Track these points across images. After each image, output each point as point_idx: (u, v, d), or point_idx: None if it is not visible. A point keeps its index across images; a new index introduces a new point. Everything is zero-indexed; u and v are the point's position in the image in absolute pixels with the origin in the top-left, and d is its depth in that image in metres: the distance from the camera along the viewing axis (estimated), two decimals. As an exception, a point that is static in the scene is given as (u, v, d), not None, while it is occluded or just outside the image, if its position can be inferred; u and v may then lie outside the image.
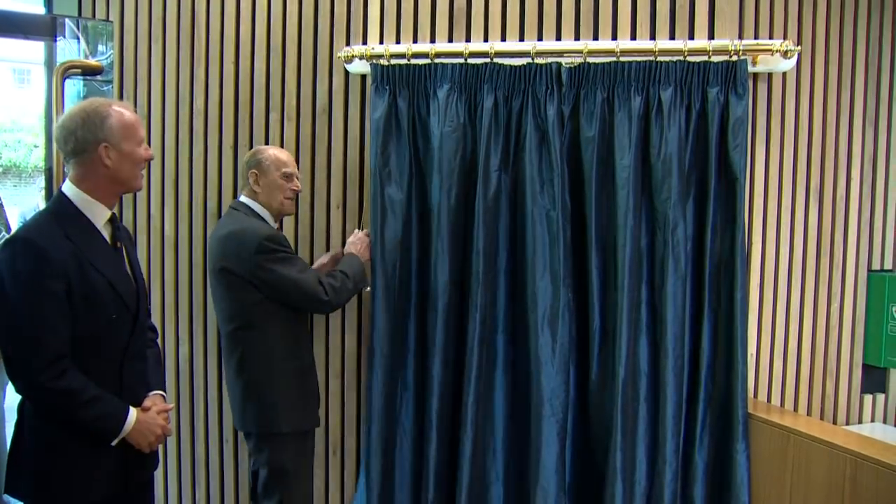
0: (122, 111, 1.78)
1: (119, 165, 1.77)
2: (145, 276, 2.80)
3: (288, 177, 2.36)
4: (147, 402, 1.86)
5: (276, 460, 2.26)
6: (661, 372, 2.39)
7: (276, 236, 2.26)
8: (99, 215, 1.78)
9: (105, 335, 1.76)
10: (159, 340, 2.78)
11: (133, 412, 1.78)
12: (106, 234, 1.80)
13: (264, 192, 2.34)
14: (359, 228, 2.64)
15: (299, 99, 2.71)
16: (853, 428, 2.51)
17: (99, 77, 2.92)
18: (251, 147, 2.73)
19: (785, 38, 2.49)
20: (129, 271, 1.85)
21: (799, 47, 2.40)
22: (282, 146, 2.71)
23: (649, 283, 2.44)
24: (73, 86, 2.94)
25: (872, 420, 2.63)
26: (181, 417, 2.85)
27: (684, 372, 2.40)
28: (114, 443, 1.74)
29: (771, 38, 2.50)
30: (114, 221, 1.84)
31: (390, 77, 2.48)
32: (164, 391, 2.01)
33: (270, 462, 2.26)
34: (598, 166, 2.42)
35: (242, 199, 2.37)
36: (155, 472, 2.80)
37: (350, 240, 2.52)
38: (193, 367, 2.83)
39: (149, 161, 1.90)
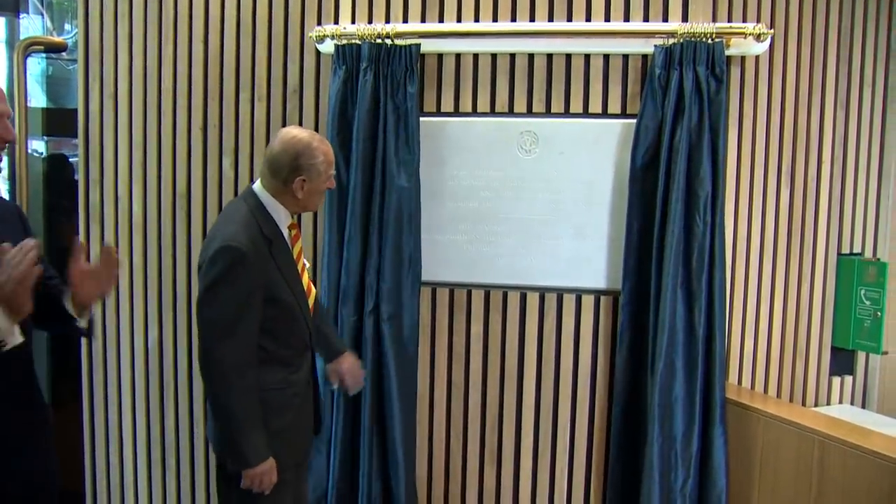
0: None
1: None
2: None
3: (332, 177, 1.98)
4: None
5: (245, 492, 1.85)
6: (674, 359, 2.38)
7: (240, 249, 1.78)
8: None
9: None
10: (125, 323, 2.80)
11: None
12: None
13: (304, 198, 1.90)
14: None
15: (270, 79, 2.66)
16: (822, 410, 2.53)
17: (64, 55, 2.86)
18: (221, 128, 2.68)
19: (758, 21, 2.48)
20: None
21: (772, 30, 2.39)
22: (252, 127, 2.67)
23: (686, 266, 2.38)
24: (38, 64, 2.88)
25: (840, 402, 2.66)
26: (150, 402, 2.82)
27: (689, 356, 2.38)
28: None
29: (744, 21, 2.49)
30: None
31: (349, 56, 2.47)
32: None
33: (238, 486, 1.86)
34: None
35: (260, 191, 1.92)
36: (122, 451, 2.81)
37: None
38: (163, 351, 2.79)
39: (8, 142, 1.62)
